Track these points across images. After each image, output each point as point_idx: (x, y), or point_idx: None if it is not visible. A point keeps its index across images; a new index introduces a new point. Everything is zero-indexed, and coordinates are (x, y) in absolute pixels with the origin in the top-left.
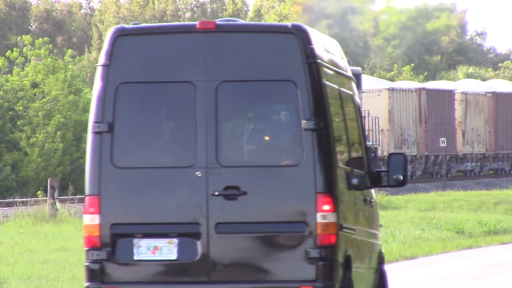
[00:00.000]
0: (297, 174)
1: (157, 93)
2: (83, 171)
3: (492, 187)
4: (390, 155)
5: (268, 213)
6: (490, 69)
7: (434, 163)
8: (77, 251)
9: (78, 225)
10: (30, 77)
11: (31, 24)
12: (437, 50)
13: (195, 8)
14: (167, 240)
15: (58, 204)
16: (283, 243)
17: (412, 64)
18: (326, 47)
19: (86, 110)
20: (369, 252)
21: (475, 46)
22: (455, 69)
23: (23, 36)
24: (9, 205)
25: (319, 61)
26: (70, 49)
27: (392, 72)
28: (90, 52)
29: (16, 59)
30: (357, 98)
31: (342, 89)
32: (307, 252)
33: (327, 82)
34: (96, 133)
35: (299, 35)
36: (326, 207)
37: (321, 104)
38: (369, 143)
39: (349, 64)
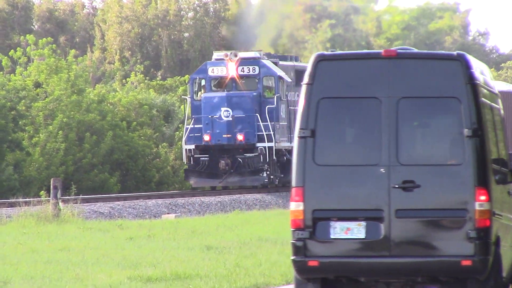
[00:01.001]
0: (460, 171)
1: (350, 106)
2: (86, 171)
3: None
4: None
5: (437, 202)
6: (492, 69)
7: None
8: (80, 251)
9: (81, 225)
10: (33, 77)
11: (33, 24)
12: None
13: (197, 7)
14: (357, 223)
15: (61, 204)
16: (448, 226)
17: None
18: (481, 71)
19: (89, 110)
20: (510, 233)
21: (477, 46)
22: None
23: (26, 35)
24: (12, 205)
25: (477, 82)
26: (73, 49)
27: None
28: (93, 52)
29: (19, 58)
30: (502, 111)
31: (492, 104)
32: (467, 233)
33: (482, 99)
34: (301, 137)
35: (462, 61)
36: (483, 197)
37: (479, 116)
38: None
39: (297, 60)
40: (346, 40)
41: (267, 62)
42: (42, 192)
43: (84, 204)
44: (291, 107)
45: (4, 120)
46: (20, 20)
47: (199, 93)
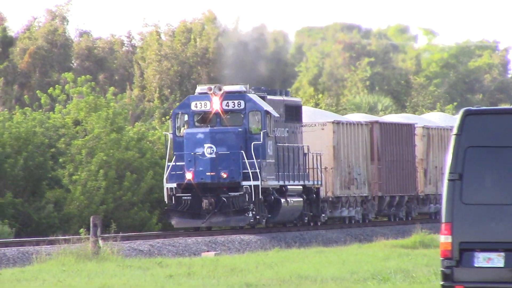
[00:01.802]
0: None
1: (493, 154)
2: (126, 209)
3: None
4: None
5: None
6: None
7: (390, 205)
8: None
9: (120, 263)
10: (72, 115)
11: (72, 62)
12: (479, 89)
13: (237, 45)
14: (497, 253)
15: (100, 242)
16: None
17: (455, 103)
18: None
19: (128, 148)
20: None
21: None
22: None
23: (65, 73)
24: (51, 242)
25: None
26: (112, 87)
27: (435, 111)
28: (132, 90)
29: (58, 96)
30: None
31: None
32: None
33: None
34: (450, 180)
35: None
36: None
37: None
38: (309, 183)
39: (287, 94)
40: (385, 78)
41: (253, 96)
42: (81, 230)
43: (124, 242)
44: (279, 144)
45: (43, 157)
46: (59, 58)
47: (182, 129)
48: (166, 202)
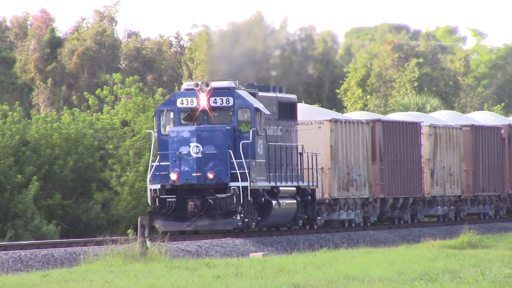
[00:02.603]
0: None
1: None
2: None
3: None
4: None
5: None
6: None
7: (394, 207)
8: None
9: (168, 263)
10: (120, 116)
11: (121, 62)
12: None
13: (285, 46)
14: None
15: (148, 243)
16: None
17: (503, 104)
18: None
19: None
20: None
21: None
22: None
23: (113, 74)
24: (99, 243)
25: None
26: (160, 88)
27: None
28: (180, 90)
29: (106, 97)
30: None
31: None
32: None
33: None
34: None
35: None
36: None
37: None
38: (303, 184)
39: (281, 91)
40: (434, 79)
41: (243, 93)
42: (129, 231)
43: (172, 242)
44: (271, 143)
45: (92, 159)
46: (108, 58)
47: (168, 127)
48: (150, 204)
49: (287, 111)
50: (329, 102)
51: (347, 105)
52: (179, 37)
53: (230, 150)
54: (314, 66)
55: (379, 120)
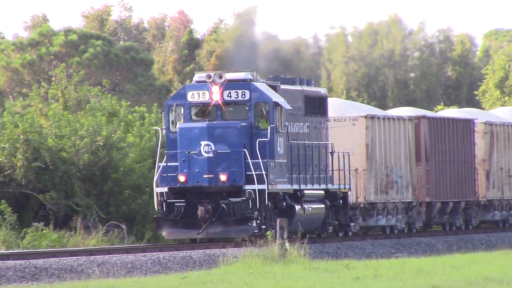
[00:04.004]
0: None
1: None
2: None
3: None
4: None
5: None
6: None
7: (442, 212)
8: None
9: (307, 265)
10: None
11: (259, 64)
12: None
13: (423, 48)
14: None
15: (287, 244)
16: None
17: None
18: None
19: None
20: None
21: None
22: None
23: None
24: (238, 245)
25: None
26: None
27: None
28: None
29: None
30: None
31: None
32: None
33: None
34: None
35: None
36: None
37: None
38: (333, 187)
39: (309, 84)
40: None
41: (261, 85)
42: (268, 233)
43: (311, 244)
44: (295, 141)
45: None
46: (246, 60)
47: (178, 123)
48: (156, 209)
49: (315, 106)
50: (467, 104)
51: (485, 106)
52: (317, 38)
53: (245, 149)
54: (452, 68)
55: (424, 117)
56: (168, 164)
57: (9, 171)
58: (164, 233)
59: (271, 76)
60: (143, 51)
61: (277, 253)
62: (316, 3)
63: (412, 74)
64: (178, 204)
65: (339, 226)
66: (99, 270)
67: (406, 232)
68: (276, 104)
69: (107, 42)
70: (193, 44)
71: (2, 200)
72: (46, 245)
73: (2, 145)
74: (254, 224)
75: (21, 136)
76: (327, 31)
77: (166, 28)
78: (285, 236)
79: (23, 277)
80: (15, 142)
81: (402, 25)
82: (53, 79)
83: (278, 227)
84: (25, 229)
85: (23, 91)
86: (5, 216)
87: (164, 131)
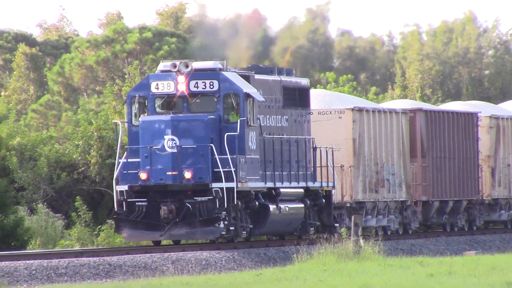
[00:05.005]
0: None
1: None
2: None
3: None
4: None
5: None
6: None
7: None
8: None
9: (381, 262)
10: None
11: (334, 61)
12: None
13: (498, 45)
14: None
15: (361, 241)
16: None
17: None
18: None
19: None
20: None
21: None
22: None
23: (326, 73)
24: (312, 242)
25: None
26: (374, 87)
27: None
28: (393, 90)
29: None
30: None
31: None
32: None
33: None
34: None
35: None
36: None
37: None
38: (314, 185)
39: (290, 74)
40: None
41: (231, 75)
42: (343, 229)
43: (385, 241)
44: (269, 135)
45: None
46: (321, 57)
47: (142, 116)
48: (115, 209)
49: (295, 98)
50: None
51: None
52: (391, 36)
53: (212, 144)
54: None
55: (420, 110)
56: (129, 160)
57: (83, 168)
58: (124, 235)
59: (249, 66)
60: (218, 48)
61: (351, 250)
62: (390, 1)
63: (486, 72)
64: (140, 203)
65: (323, 227)
66: (174, 267)
67: (400, 233)
68: (247, 95)
69: (181, 39)
70: (267, 41)
71: (77, 197)
72: (120, 242)
73: (76, 142)
74: (222, 225)
75: (95, 133)
76: (401, 29)
77: (240, 25)
78: (360, 233)
79: (97, 274)
80: (89, 139)
81: (477, 23)
82: (126, 76)
83: (352, 224)
84: (99, 226)
85: (97, 88)
86: (79, 213)
87: (126, 124)
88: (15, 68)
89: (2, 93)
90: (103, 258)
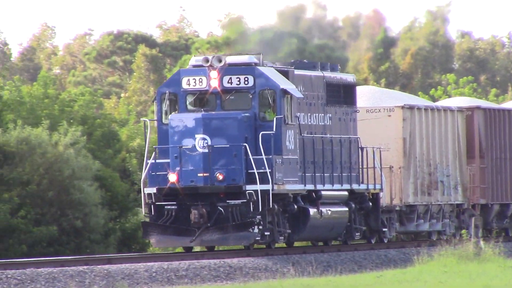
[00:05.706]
0: None
1: None
2: None
3: None
4: None
5: None
6: None
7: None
8: None
9: (502, 263)
10: None
11: (454, 63)
12: None
13: None
14: None
15: (482, 243)
16: None
17: None
18: None
19: None
20: None
21: None
22: None
23: (447, 74)
24: (432, 244)
25: None
26: (494, 88)
27: None
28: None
29: (440, 97)
30: None
31: None
32: None
33: None
34: None
35: None
36: None
37: None
38: (359, 187)
39: (334, 69)
40: None
41: (267, 70)
42: (464, 231)
43: (505, 242)
44: (309, 134)
45: None
46: (441, 58)
47: (173, 113)
48: (143, 213)
49: (340, 95)
50: None
51: None
52: (511, 37)
53: (246, 144)
54: None
55: (479, 108)
56: (158, 161)
57: None
58: (152, 240)
59: (291, 61)
60: (339, 49)
61: (471, 252)
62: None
63: None
64: (169, 207)
65: (370, 231)
66: (294, 269)
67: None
68: (285, 92)
69: (301, 40)
70: (388, 42)
71: None
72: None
73: None
74: (256, 230)
75: None
76: None
77: (361, 27)
78: (481, 234)
79: (218, 276)
80: None
81: None
82: None
83: (473, 226)
84: None
85: None
86: None
87: (156, 122)
88: (135, 70)
89: (122, 95)
90: (223, 260)
